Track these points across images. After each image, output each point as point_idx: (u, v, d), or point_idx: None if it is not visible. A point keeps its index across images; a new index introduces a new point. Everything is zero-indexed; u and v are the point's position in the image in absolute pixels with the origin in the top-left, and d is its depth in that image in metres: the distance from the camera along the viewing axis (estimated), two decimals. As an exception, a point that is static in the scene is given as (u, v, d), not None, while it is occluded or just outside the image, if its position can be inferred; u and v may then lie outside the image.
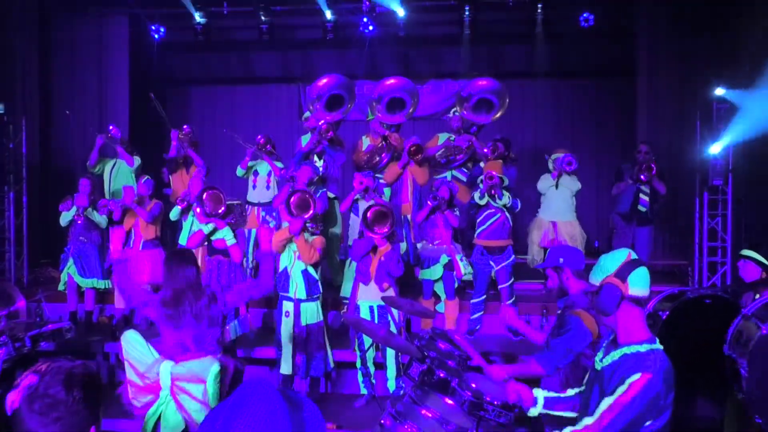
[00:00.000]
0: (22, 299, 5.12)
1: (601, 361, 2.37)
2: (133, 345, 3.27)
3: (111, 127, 7.30)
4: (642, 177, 6.58)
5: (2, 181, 7.40)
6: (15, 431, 1.57)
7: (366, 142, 7.10)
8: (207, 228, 5.25)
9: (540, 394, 2.62)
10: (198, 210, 5.36)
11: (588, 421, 2.23)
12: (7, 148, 7.40)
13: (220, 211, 5.20)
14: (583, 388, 2.62)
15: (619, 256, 2.33)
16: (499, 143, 7.14)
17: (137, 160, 7.20)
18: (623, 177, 6.81)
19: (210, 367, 3.11)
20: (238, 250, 5.24)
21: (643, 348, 2.24)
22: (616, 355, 2.29)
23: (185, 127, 7.20)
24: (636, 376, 2.16)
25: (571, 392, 2.66)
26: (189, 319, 3.37)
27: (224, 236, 5.21)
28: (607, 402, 2.19)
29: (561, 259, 3.34)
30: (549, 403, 2.62)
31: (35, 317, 5.93)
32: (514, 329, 3.75)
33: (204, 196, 5.28)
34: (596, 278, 2.32)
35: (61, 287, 6.53)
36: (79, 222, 6.37)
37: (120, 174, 7.22)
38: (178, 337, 3.37)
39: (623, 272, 2.26)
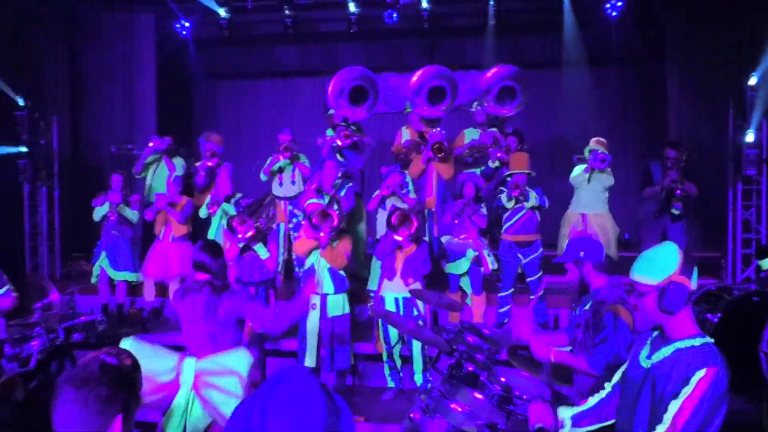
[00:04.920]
0: (55, 292, 5.25)
1: (648, 358, 2.28)
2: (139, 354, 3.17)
3: (152, 143, 7.11)
4: (677, 193, 6.33)
5: (35, 177, 7.56)
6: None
7: (405, 134, 7.04)
8: (240, 244, 5.46)
9: (566, 414, 2.50)
10: (231, 236, 5.52)
11: (660, 429, 2.10)
12: (38, 145, 7.56)
13: (248, 235, 5.36)
14: (607, 390, 2.53)
15: (672, 251, 2.23)
16: (511, 137, 7.01)
17: (178, 165, 7.18)
18: (652, 180, 6.52)
19: (245, 360, 3.14)
20: (273, 262, 5.47)
21: (698, 342, 2.16)
22: (667, 351, 2.20)
23: (209, 144, 6.74)
24: (701, 373, 2.06)
25: (592, 401, 2.55)
26: (202, 313, 3.35)
27: (258, 252, 5.36)
28: (675, 405, 2.08)
29: (581, 253, 3.25)
30: (576, 420, 2.50)
31: (68, 309, 6.05)
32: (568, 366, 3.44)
33: (233, 223, 5.41)
34: (656, 277, 2.19)
35: (93, 280, 6.67)
36: (112, 218, 6.48)
37: (161, 175, 7.22)
38: (197, 332, 3.36)
39: (686, 269, 2.18)
